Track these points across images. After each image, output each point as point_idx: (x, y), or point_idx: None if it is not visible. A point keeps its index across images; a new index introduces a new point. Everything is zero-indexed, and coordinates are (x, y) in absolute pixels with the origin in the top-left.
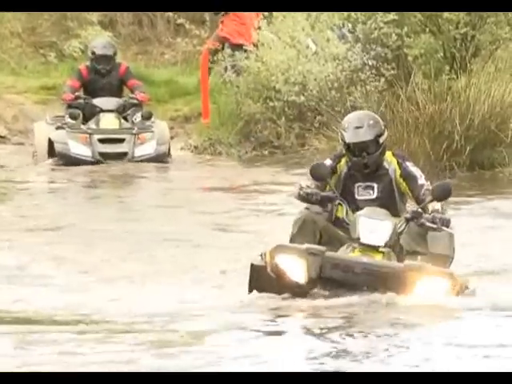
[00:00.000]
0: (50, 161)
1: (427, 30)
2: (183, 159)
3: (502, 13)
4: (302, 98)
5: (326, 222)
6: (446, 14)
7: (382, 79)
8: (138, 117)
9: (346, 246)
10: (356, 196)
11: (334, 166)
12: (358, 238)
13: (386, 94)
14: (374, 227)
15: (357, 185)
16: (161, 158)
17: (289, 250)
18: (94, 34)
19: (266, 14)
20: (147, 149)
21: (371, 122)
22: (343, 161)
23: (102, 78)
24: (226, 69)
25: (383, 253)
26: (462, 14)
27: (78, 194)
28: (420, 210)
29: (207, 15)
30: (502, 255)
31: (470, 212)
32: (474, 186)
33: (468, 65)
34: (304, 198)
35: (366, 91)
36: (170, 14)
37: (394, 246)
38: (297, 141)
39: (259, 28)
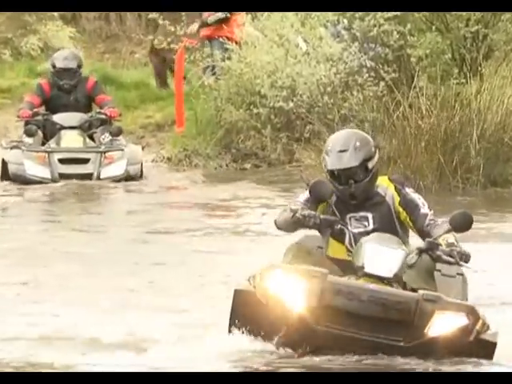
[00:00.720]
0: (3, 184)
1: (433, 27)
2: (154, 173)
3: None
4: (291, 105)
5: (322, 255)
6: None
7: (382, 83)
8: (107, 136)
9: (348, 277)
10: (349, 228)
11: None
12: (363, 267)
13: (386, 100)
14: (382, 255)
15: (349, 215)
16: (131, 180)
17: (285, 270)
18: (55, 30)
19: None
20: (116, 170)
21: (358, 143)
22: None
23: (66, 95)
24: (204, 70)
25: (391, 286)
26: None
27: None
28: (434, 242)
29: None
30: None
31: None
32: (485, 206)
33: (479, 68)
34: (299, 221)
35: (364, 97)
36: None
37: (399, 281)
38: (284, 153)
39: (243, 25)
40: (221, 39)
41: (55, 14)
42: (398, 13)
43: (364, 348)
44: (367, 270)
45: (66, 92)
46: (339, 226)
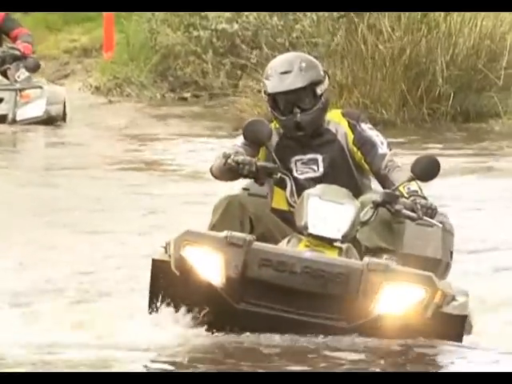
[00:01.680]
0: None
1: None
2: (80, 104)
3: None
4: (235, 27)
5: (262, 208)
6: None
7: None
8: (22, 73)
9: (288, 239)
10: (295, 174)
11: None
12: (306, 227)
13: (343, 22)
14: (329, 212)
15: (294, 159)
16: (52, 122)
17: (201, 238)
18: None
19: None
20: (34, 110)
21: (303, 64)
22: (274, 127)
23: None
24: None
25: (340, 249)
26: None
27: None
28: (394, 193)
29: None
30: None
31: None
32: (456, 141)
33: None
34: (233, 168)
35: (318, 17)
36: None
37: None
38: (228, 81)
39: None
40: None
41: None
42: None
43: (297, 330)
44: (311, 230)
45: None
46: (279, 174)
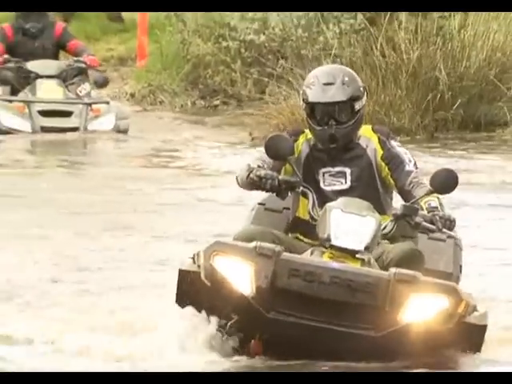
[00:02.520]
0: None
1: None
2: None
3: None
4: (262, 38)
5: (280, 234)
6: None
7: (360, 16)
8: (85, 87)
9: (311, 251)
10: (322, 186)
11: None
12: (329, 239)
13: (364, 35)
14: (351, 225)
15: (322, 171)
16: (120, 132)
17: (231, 248)
18: None
19: None
20: (104, 124)
21: (346, 78)
22: (302, 139)
23: (31, 40)
24: None
25: (362, 260)
26: None
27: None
28: (414, 206)
29: None
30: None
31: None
32: (466, 148)
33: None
34: (255, 182)
35: (340, 30)
36: None
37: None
38: (255, 89)
39: None
40: None
41: None
42: None
43: (326, 338)
44: (334, 242)
45: (31, 37)
46: (301, 188)
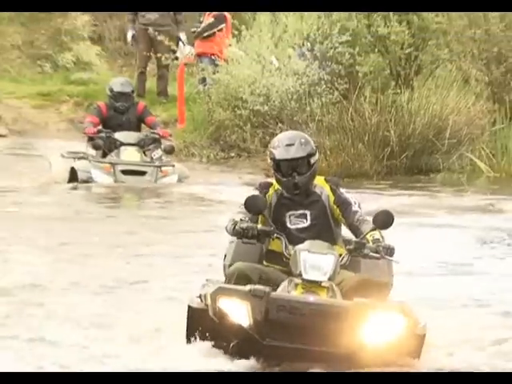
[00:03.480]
0: (70, 185)
1: (376, 50)
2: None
3: (441, 36)
4: (266, 108)
5: (262, 267)
6: (392, 37)
7: (336, 92)
8: (157, 153)
9: (288, 282)
10: (288, 225)
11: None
12: (300, 274)
13: (339, 106)
14: (316, 262)
15: (289, 213)
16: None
17: (231, 292)
18: (85, 48)
19: (236, 32)
20: (169, 178)
21: (303, 140)
22: (271, 190)
23: (120, 115)
24: (200, 81)
25: (327, 288)
26: (406, 37)
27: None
28: (362, 241)
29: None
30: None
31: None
32: (409, 191)
33: (411, 81)
34: (240, 233)
35: (322, 103)
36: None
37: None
38: (260, 144)
39: (230, 45)
40: (212, 57)
41: (85, 35)
42: (350, 38)
43: (311, 358)
44: (304, 276)
45: (120, 113)
46: (275, 234)
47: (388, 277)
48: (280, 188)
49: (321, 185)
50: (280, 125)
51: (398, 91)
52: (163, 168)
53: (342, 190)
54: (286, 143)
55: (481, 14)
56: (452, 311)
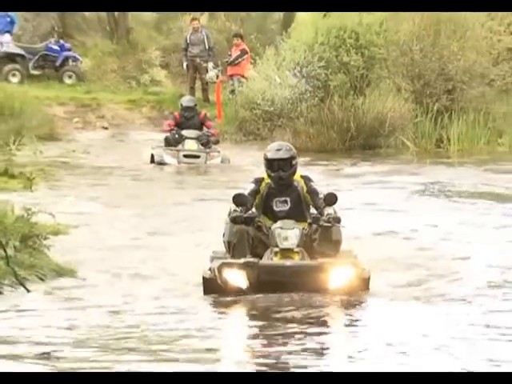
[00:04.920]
0: (152, 165)
1: (341, 71)
2: None
3: (383, 61)
4: (272, 109)
5: (255, 232)
6: (352, 62)
7: (316, 99)
8: (209, 145)
9: (270, 251)
10: (274, 208)
11: (257, 188)
12: (277, 245)
13: (318, 107)
14: (286, 235)
15: (275, 199)
16: (223, 169)
17: (231, 265)
18: (157, 71)
19: (253, 61)
20: (215, 160)
21: (288, 147)
22: (264, 183)
23: (188, 121)
24: (230, 92)
25: (298, 252)
26: (360, 63)
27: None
28: (318, 215)
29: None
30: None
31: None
32: (363, 164)
33: (364, 91)
34: (232, 220)
35: (307, 105)
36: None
37: (307, 242)
38: (269, 132)
39: (249, 69)
40: (238, 77)
41: (157, 63)
42: (325, 64)
43: (292, 303)
44: (280, 246)
45: (188, 119)
46: (257, 220)
47: (339, 237)
48: (269, 181)
49: (297, 179)
50: (281, 119)
51: (356, 97)
52: (211, 153)
53: (313, 183)
54: (276, 148)
55: (407, 47)
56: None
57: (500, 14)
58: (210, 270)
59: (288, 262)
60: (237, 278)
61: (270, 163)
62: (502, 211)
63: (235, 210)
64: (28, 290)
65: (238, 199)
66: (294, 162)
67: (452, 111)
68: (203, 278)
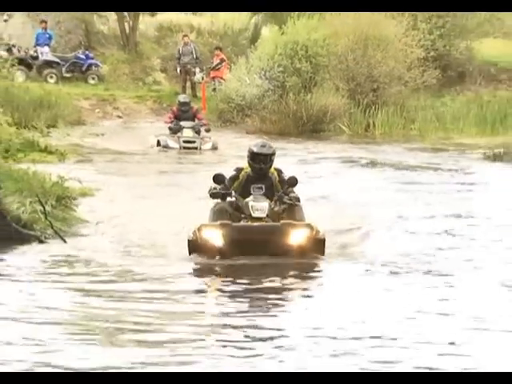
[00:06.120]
0: (157, 148)
1: (295, 74)
2: None
3: (325, 67)
4: (243, 102)
5: (232, 209)
6: (303, 68)
7: (277, 95)
8: (202, 132)
9: (243, 220)
10: (251, 192)
11: (237, 174)
12: (250, 214)
13: (278, 102)
14: (258, 207)
15: (252, 186)
16: (213, 150)
17: (209, 226)
18: (158, 74)
19: (229, 67)
20: (208, 146)
21: (270, 145)
22: (243, 172)
23: (184, 114)
24: (212, 90)
25: (266, 221)
26: (309, 68)
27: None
28: (282, 194)
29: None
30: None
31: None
32: (311, 143)
33: (311, 89)
34: (212, 194)
35: (270, 100)
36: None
37: (274, 217)
38: (241, 120)
39: (227, 74)
40: (218, 79)
41: (158, 68)
42: (283, 69)
43: (260, 255)
44: (252, 215)
45: (184, 112)
46: (232, 195)
47: (302, 215)
48: (248, 170)
49: (272, 171)
50: (250, 110)
51: (305, 94)
52: (204, 139)
53: (283, 175)
54: (260, 145)
55: (343, 57)
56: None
57: (412, 32)
58: (193, 232)
59: (256, 223)
60: (214, 236)
61: (254, 156)
62: (410, 176)
63: (214, 188)
64: (64, 241)
65: (217, 178)
66: (272, 158)
67: (377, 104)
68: (188, 240)
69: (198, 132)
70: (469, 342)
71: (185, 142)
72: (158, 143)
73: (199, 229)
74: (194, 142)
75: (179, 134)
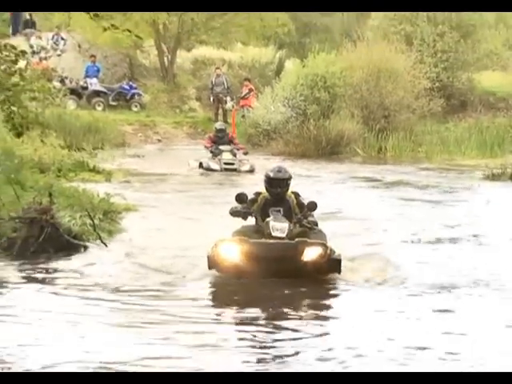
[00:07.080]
0: (200, 170)
1: (315, 104)
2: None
3: (342, 97)
4: (269, 127)
5: (253, 231)
6: (322, 98)
7: (299, 121)
8: (240, 156)
9: (264, 239)
10: (270, 215)
11: (256, 198)
12: (270, 234)
13: (300, 127)
14: (278, 227)
15: (271, 209)
16: (251, 172)
17: (226, 241)
18: (193, 103)
19: (257, 96)
20: (245, 168)
21: (285, 170)
22: (261, 196)
23: (221, 139)
24: (242, 116)
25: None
26: (328, 97)
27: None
28: (301, 217)
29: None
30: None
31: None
32: (330, 164)
33: (329, 116)
34: (233, 213)
35: (293, 125)
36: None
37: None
38: (268, 143)
39: (255, 102)
40: (247, 107)
41: (193, 96)
42: (304, 98)
43: (276, 273)
44: (273, 234)
45: (220, 138)
46: (252, 214)
47: (324, 238)
48: (266, 194)
49: (289, 194)
50: (275, 134)
51: (324, 120)
52: (242, 161)
53: (301, 198)
54: (277, 170)
55: (358, 87)
56: None
57: (420, 65)
58: (212, 248)
59: (272, 240)
60: (231, 252)
61: (271, 181)
62: (420, 193)
63: (235, 207)
64: (106, 245)
65: (239, 197)
66: (289, 182)
67: (388, 130)
68: (207, 257)
69: (234, 155)
70: None
71: (225, 163)
72: (201, 165)
73: (217, 244)
74: (233, 163)
75: (219, 157)
